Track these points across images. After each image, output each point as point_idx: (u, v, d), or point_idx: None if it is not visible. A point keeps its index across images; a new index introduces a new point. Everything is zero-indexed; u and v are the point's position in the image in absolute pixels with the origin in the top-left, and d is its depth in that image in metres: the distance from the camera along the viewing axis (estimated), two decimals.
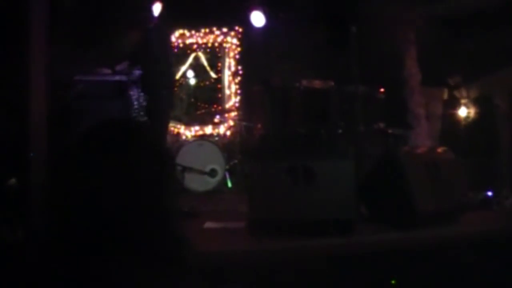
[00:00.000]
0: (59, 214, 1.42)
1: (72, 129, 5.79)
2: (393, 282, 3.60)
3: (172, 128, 8.60)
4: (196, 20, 8.82)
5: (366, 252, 3.68)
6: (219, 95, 9.21)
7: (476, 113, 6.42)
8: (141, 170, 1.45)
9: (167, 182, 1.55)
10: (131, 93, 8.58)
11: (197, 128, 8.79)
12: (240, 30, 9.05)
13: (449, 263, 3.73)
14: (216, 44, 9.16)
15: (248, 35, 8.96)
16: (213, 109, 8.98)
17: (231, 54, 9.07)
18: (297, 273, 3.46)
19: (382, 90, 6.60)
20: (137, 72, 6.28)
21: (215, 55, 9.27)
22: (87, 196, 1.38)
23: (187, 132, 8.72)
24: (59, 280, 1.35)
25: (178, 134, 8.67)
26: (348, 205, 3.72)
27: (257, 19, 8.65)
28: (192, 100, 9.26)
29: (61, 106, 6.25)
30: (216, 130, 8.82)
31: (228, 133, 8.78)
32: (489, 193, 5.12)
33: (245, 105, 8.91)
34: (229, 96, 9.03)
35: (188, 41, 9.08)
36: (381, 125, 6.34)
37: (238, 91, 9.00)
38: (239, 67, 9.03)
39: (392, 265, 3.61)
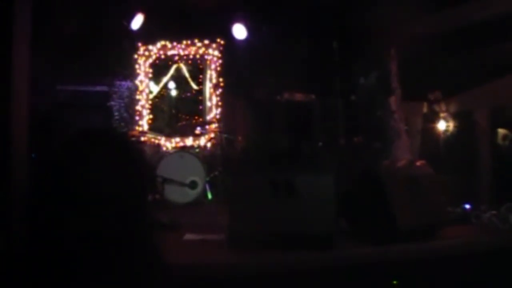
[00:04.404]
0: (39, 222, 1.42)
1: (54, 137, 5.75)
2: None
3: (152, 140, 8.60)
4: (178, 31, 8.84)
5: (345, 266, 3.69)
6: (200, 107, 9.21)
7: (455, 127, 6.48)
8: (119, 179, 1.45)
9: (144, 193, 1.55)
10: (112, 103, 8.59)
11: (177, 139, 8.77)
12: (222, 42, 9.07)
13: (428, 277, 3.75)
14: (198, 56, 9.17)
15: (230, 48, 8.99)
16: (194, 121, 8.97)
17: (213, 66, 9.08)
18: (276, 286, 3.46)
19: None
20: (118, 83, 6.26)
21: (197, 67, 9.28)
22: (66, 204, 1.38)
23: (168, 144, 8.71)
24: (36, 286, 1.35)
25: (159, 145, 8.65)
26: (328, 220, 3.71)
27: (239, 31, 8.70)
28: (173, 111, 9.25)
29: (43, 114, 6.21)
30: (197, 142, 8.81)
31: (209, 145, 8.78)
32: (467, 207, 5.15)
33: (226, 117, 8.93)
34: (210, 108, 9.03)
35: (169, 53, 9.09)
36: (362, 138, 6.38)
37: (219, 103, 9.01)
38: (221, 79, 9.04)
39: (372, 280, 3.62)
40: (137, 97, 8.87)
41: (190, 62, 9.21)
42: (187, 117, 9.13)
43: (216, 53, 9.09)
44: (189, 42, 9.05)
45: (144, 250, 1.48)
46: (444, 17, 6.36)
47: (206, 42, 9.07)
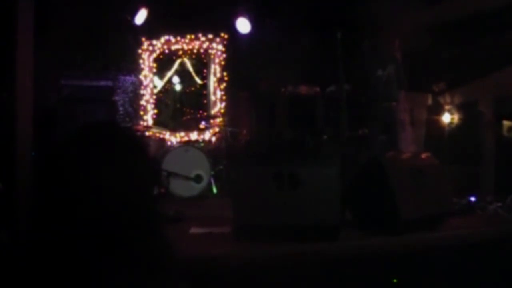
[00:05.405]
0: (45, 216, 1.42)
1: (58, 132, 5.75)
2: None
3: (157, 134, 8.61)
4: (181, 26, 8.83)
5: (350, 257, 3.69)
6: (205, 101, 9.22)
7: (460, 119, 6.47)
8: (126, 173, 1.45)
9: (152, 186, 1.55)
10: (117, 98, 8.59)
11: (182, 134, 8.79)
12: (226, 36, 9.07)
13: (432, 268, 3.75)
14: (202, 50, 9.17)
15: (234, 42, 8.99)
16: (198, 115, 8.97)
17: (217, 60, 9.08)
18: (282, 278, 3.47)
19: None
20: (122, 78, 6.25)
21: (201, 61, 9.28)
22: (72, 198, 1.38)
23: (173, 138, 8.72)
24: (44, 282, 1.35)
25: (164, 140, 8.66)
26: (332, 211, 3.71)
27: (243, 25, 8.69)
28: (178, 106, 9.26)
29: (47, 109, 6.22)
30: (202, 136, 8.82)
31: (214, 139, 8.78)
32: (472, 198, 5.15)
33: (231, 111, 8.93)
34: (215, 102, 9.04)
35: (173, 47, 9.08)
36: (366, 130, 6.37)
37: (224, 97, 9.01)
38: (225, 73, 9.04)
39: (377, 270, 3.63)
40: (142, 91, 8.87)
41: (194, 56, 9.20)
42: (192, 111, 9.13)
43: (220, 47, 9.09)
44: (193, 36, 9.04)
45: (153, 242, 1.48)
46: (448, 8, 6.34)
47: (210, 36, 9.07)
